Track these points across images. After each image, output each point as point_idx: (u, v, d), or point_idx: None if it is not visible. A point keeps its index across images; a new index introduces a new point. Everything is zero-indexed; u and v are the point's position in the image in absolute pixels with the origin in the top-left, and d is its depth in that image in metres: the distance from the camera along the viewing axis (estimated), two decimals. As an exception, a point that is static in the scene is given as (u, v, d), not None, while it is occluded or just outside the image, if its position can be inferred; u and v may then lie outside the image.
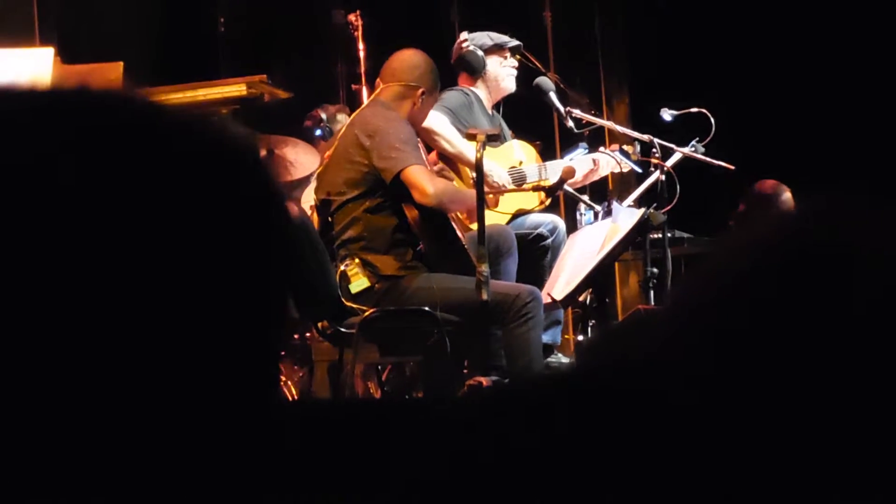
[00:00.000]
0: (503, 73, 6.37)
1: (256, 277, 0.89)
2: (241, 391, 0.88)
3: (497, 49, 6.38)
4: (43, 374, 0.82)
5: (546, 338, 5.65)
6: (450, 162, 6.03)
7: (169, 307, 0.85)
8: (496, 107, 6.47)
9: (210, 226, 0.87)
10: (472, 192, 5.32)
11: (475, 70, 6.34)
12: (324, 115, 6.98)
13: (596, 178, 6.42)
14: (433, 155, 5.96)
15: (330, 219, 5.45)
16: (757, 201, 6.82)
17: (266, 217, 0.91)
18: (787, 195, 6.89)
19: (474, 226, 5.29)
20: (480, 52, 6.34)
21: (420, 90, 5.52)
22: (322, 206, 5.49)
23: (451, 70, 6.43)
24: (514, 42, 6.41)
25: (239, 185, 0.90)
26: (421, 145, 5.56)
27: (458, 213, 5.61)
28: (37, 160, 0.84)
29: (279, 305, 0.92)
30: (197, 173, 0.88)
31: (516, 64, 6.41)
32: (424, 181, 5.26)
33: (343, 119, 6.88)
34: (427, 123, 5.84)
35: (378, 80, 5.73)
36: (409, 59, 5.59)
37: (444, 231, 5.38)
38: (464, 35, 6.45)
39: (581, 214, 6.25)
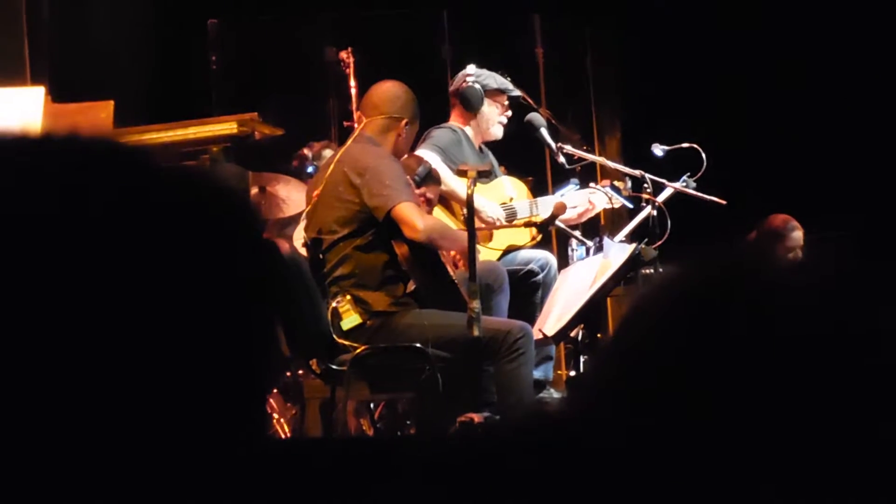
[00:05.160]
0: (494, 120, 6.36)
1: (243, 317, 0.89)
2: (225, 426, 0.88)
3: (498, 93, 6.35)
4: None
5: (538, 373, 5.65)
6: (444, 200, 6.03)
7: (158, 347, 0.85)
8: (485, 144, 6.47)
9: (197, 269, 0.88)
10: (463, 230, 5.32)
11: (471, 106, 6.33)
12: (309, 153, 6.97)
13: (591, 216, 6.40)
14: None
15: (321, 256, 5.45)
16: (768, 234, 6.79)
17: (254, 257, 0.91)
18: (797, 233, 6.86)
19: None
20: (481, 91, 6.33)
21: (403, 121, 5.54)
22: (313, 245, 5.49)
23: (443, 106, 6.43)
24: (516, 92, 6.38)
25: (226, 226, 0.91)
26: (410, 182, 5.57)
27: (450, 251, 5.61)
28: (27, 209, 0.84)
29: (267, 344, 0.92)
30: (185, 217, 0.89)
31: (510, 115, 6.40)
32: (415, 217, 5.27)
33: (329, 154, 6.87)
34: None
35: (359, 113, 5.74)
36: (389, 91, 5.61)
37: (434, 267, 5.37)
38: (471, 68, 6.43)
39: (573, 250, 6.24)
